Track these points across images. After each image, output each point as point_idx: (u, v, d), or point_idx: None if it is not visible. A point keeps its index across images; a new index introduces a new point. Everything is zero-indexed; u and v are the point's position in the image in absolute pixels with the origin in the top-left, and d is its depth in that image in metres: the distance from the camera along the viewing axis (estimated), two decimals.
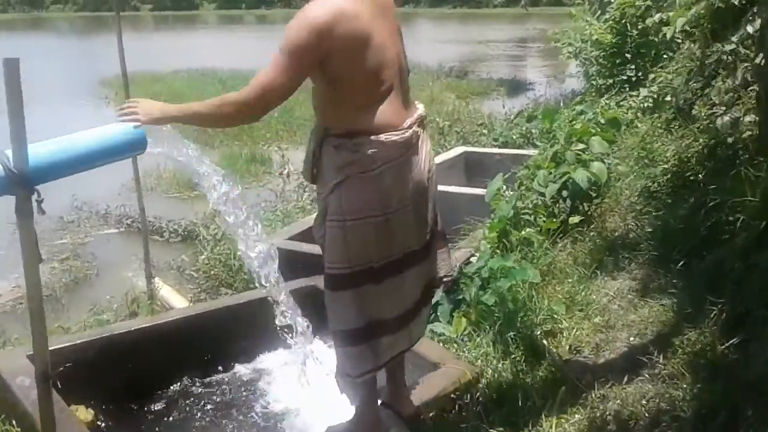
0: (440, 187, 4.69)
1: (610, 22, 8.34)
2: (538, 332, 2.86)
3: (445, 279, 2.32)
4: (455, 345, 2.90)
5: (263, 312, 2.65)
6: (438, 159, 5.62)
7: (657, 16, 8.14)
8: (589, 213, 4.10)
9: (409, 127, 2.04)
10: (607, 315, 3.03)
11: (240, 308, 3.12)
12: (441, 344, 2.89)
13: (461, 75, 16.68)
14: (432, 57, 18.13)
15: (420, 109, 2.16)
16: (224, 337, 3.04)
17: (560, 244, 3.75)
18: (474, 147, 6.42)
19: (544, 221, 3.69)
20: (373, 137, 1.96)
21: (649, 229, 3.71)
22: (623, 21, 8.20)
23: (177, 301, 4.06)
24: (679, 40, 6.11)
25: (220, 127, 2.11)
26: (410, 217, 2.09)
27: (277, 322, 2.57)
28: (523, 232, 3.41)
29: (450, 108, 10.88)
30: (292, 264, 3.59)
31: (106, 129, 1.94)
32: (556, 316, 2.98)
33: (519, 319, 2.84)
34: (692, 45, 5.21)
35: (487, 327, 2.92)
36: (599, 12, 9.12)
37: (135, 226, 5.83)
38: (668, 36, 4.85)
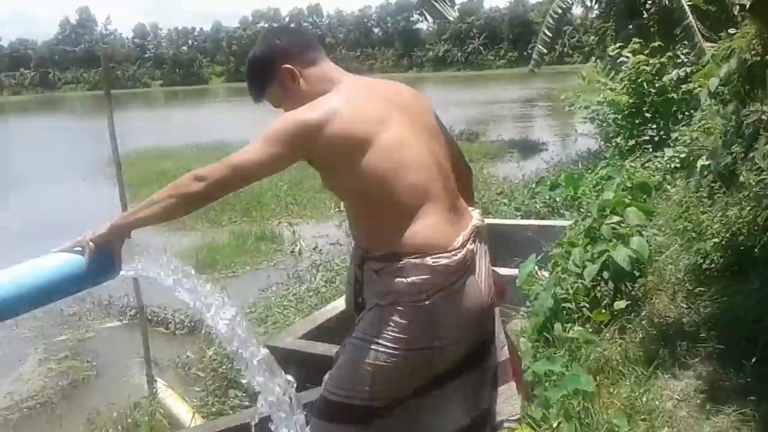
0: None
1: (626, 81, 8.14)
2: None
3: (506, 423, 1.89)
4: None
5: None
6: None
7: (674, 73, 7.97)
8: (633, 294, 3.71)
9: (462, 245, 1.67)
10: (676, 425, 2.61)
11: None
12: None
13: (472, 138, 16.51)
14: (441, 120, 18.03)
15: (475, 218, 1.81)
16: None
17: (607, 334, 3.34)
18: (495, 218, 6.06)
19: (588, 309, 3.29)
20: (418, 260, 1.61)
21: (706, 314, 3.32)
22: (639, 80, 7.99)
23: (180, 411, 3.66)
24: (706, 100, 5.82)
25: (179, 213, 1.69)
26: (463, 351, 1.72)
27: None
28: (569, 330, 3.01)
29: None
30: (306, 369, 3.19)
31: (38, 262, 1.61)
32: (615, 428, 2.55)
33: None
34: (723, 104, 4.92)
35: None
36: (612, 72, 8.94)
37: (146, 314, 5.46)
38: (702, 99, 4.59)
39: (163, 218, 1.68)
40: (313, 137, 1.61)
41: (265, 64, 1.78)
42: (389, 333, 1.62)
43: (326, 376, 1.75)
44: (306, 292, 5.58)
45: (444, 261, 1.62)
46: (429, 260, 1.61)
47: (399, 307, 1.62)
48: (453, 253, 1.64)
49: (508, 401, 1.88)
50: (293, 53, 1.77)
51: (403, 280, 1.61)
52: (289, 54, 1.76)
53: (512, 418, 1.89)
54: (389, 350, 1.62)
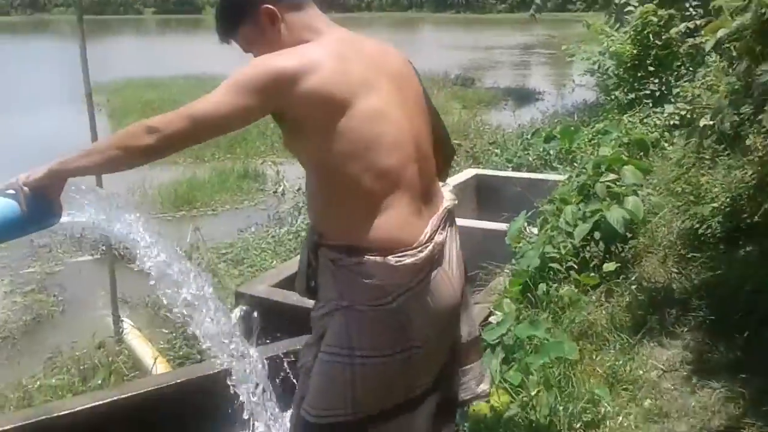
0: None
1: (631, 32, 7.82)
2: (578, 425, 2.30)
3: (476, 399, 1.73)
4: None
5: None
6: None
7: (683, 26, 7.65)
8: (623, 256, 3.55)
9: (430, 238, 1.48)
10: (660, 397, 2.48)
11: (200, 383, 2.55)
12: None
13: (467, 83, 16.15)
14: (437, 64, 17.61)
15: (447, 199, 1.62)
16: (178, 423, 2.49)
17: (593, 296, 3.19)
18: (486, 170, 5.86)
19: (576, 270, 3.13)
20: (379, 259, 1.41)
21: (699, 282, 3.16)
22: (645, 31, 7.68)
23: (144, 353, 3.51)
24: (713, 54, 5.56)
25: (122, 166, 1.47)
26: (443, 345, 1.55)
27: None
28: (556, 290, 2.85)
29: (456, 119, 10.35)
30: (276, 319, 3.04)
31: None
32: (596, 398, 2.42)
33: (553, 409, 2.28)
34: (729, 62, 4.67)
35: (513, 414, 2.36)
36: (617, 24, 8.61)
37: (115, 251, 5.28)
38: (707, 47, 4.32)
39: (104, 170, 1.51)
40: (288, 89, 1.39)
41: (243, 0, 1.56)
42: (360, 341, 1.45)
43: (303, 403, 1.55)
44: (286, 235, 5.42)
45: (409, 260, 1.43)
46: (392, 259, 1.42)
47: (363, 311, 1.44)
48: (419, 249, 1.45)
49: (477, 379, 1.73)
50: None
51: (364, 280, 1.42)
52: None
53: (483, 395, 1.74)
54: (363, 359, 1.45)
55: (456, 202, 1.65)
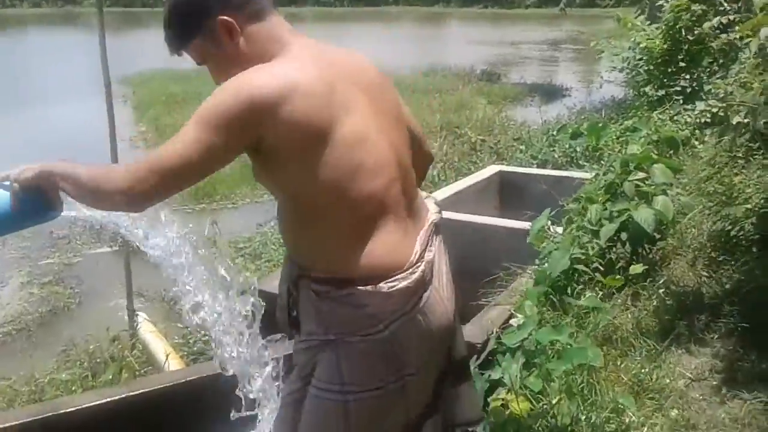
0: (472, 218, 4.08)
1: (663, 27, 7.63)
2: None
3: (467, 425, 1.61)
4: None
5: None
6: (469, 180, 4.97)
7: (716, 20, 7.44)
8: (651, 257, 3.41)
9: (420, 257, 1.38)
10: (687, 408, 2.36)
11: (207, 382, 2.49)
12: None
13: (493, 78, 15.96)
14: (462, 58, 17.46)
15: (432, 212, 1.51)
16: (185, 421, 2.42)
17: (618, 299, 3.07)
18: (510, 166, 5.74)
19: (601, 272, 3.01)
20: (370, 288, 1.31)
21: (730, 287, 3.02)
22: (677, 26, 7.48)
23: (158, 348, 3.46)
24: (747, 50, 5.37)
25: (93, 205, 1.38)
26: (436, 367, 1.46)
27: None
28: (579, 296, 2.74)
29: (481, 115, 10.21)
30: None
31: None
32: (621, 407, 2.31)
33: (575, 418, 2.17)
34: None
35: (533, 422, 2.25)
36: (648, 21, 8.41)
37: (130, 245, 5.25)
38: (752, 49, 4.15)
39: (76, 198, 1.34)
40: (269, 117, 1.22)
41: (195, 9, 1.36)
42: (351, 376, 1.35)
43: None
44: None
45: (402, 284, 1.33)
46: (384, 286, 1.31)
47: (353, 343, 1.34)
48: (410, 271, 1.35)
49: (469, 402, 1.63)
50: (236, 1, 1.35)
51: (355, 311, 1.32)
52: (229, 1, 1.35)
53: (473, 423, 1.64)
54: (356, 395, 1.36)
55: (441, 214, 1.54)
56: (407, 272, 1.34)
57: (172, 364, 3.20)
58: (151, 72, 15.07)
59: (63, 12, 62.79)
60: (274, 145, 1.26)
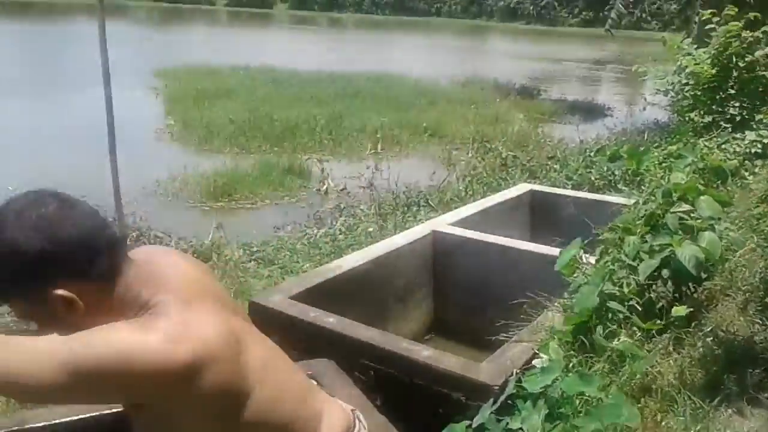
0: (498, 239, 3.78)
1: (712, 52, 7.29)
2: None
3: None
4: None
5: None
6: (498, 197, 4.67)
7: None
8: (696, 298, 3.08)
9: None
10: None
11: None
12: None
13: (532, 94, 15.61)
14: (501, 72, 17.13)
15: (339, 418, 1.47)
16: None
17: (659, 344, 2.74)
18: (542, 186, 5.42)
19: (638, 313, 2.70)
20: None
21: None
22: (728, 52, 7.14)
23: None
24: None
25: None
26: None
27: None
28: (613, 339, 2.43)
29: (516, 128, 9.89)
30: (294, 335, 2.69)
31: None
32: None
33: None
34: None
35: None
36: (696, 45, 8.07)
37: (141, 241, 5.05)
38: None
39: None
40: (175, 388, 1.07)
41: (22, 269, 1.06)
42: None
43: None
44: (322, 237, 5.10)
45: None
46: None
47: None
48: None
49: None
50: (78, 266, 1.08)
51: None
52: (69, 267, 1.08)
53: None
54: None
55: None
56: None
57: None
58: (185, 67, 15.11)
59: (109, 3, 63.87)
60: (175, 409, 1.13)
